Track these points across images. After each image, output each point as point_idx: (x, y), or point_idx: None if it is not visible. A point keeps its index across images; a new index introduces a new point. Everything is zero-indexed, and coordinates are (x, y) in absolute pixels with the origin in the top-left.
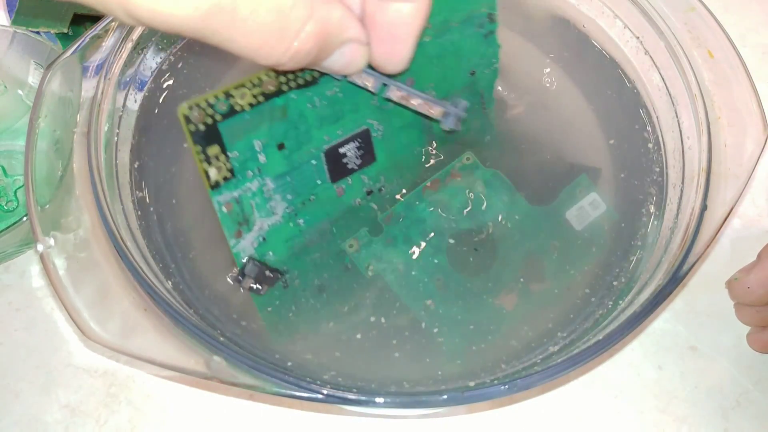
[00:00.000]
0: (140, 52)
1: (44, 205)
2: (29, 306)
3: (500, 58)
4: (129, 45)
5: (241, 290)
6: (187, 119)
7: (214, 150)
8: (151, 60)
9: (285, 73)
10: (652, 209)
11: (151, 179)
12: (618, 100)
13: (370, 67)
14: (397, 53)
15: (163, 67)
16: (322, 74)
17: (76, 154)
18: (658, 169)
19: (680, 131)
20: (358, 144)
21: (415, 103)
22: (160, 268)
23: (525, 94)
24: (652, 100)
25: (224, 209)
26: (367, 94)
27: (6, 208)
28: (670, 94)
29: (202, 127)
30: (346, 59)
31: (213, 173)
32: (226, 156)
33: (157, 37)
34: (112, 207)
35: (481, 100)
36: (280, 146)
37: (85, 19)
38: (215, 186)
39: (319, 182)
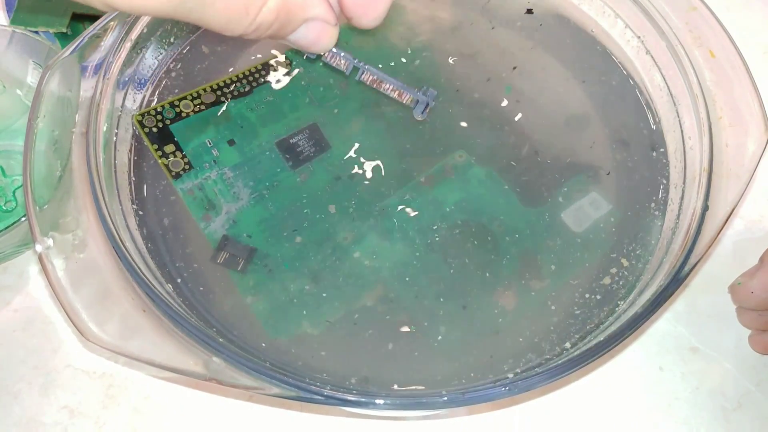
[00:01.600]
0: (139, 51)
1: (43, 206)
2: (28, 307)
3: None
4: (128, 44)
5: (221, 264)
6: (142, 124)
7: (170, 147)
8: (151, 59)
9: (221, 88)
10: (653, 209)
11: (150, 180)
12: (619, 99)
13: (346, 52)
14: (375, 7)
15: (163, 67)
16: (255, 86)
17: (75, 154)
18: (659, 170)
19: (681, 131)
20: (307, 135)
21: (387, 87)
22: (158, 269)
23: (523, 92)
24: (654, 100)
25: (188, 195)
26: (303, 96)
27: (4, 208)
28: (671, 94)
29: (155, 130)
30: (312, 36)
31: (173, 166)
32: (182, 152)
33: (156, 36)
34: (110, 207)
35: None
36: (231, 142)
37: (84, 18)
38: (176, 176)
39: (279, 170)
